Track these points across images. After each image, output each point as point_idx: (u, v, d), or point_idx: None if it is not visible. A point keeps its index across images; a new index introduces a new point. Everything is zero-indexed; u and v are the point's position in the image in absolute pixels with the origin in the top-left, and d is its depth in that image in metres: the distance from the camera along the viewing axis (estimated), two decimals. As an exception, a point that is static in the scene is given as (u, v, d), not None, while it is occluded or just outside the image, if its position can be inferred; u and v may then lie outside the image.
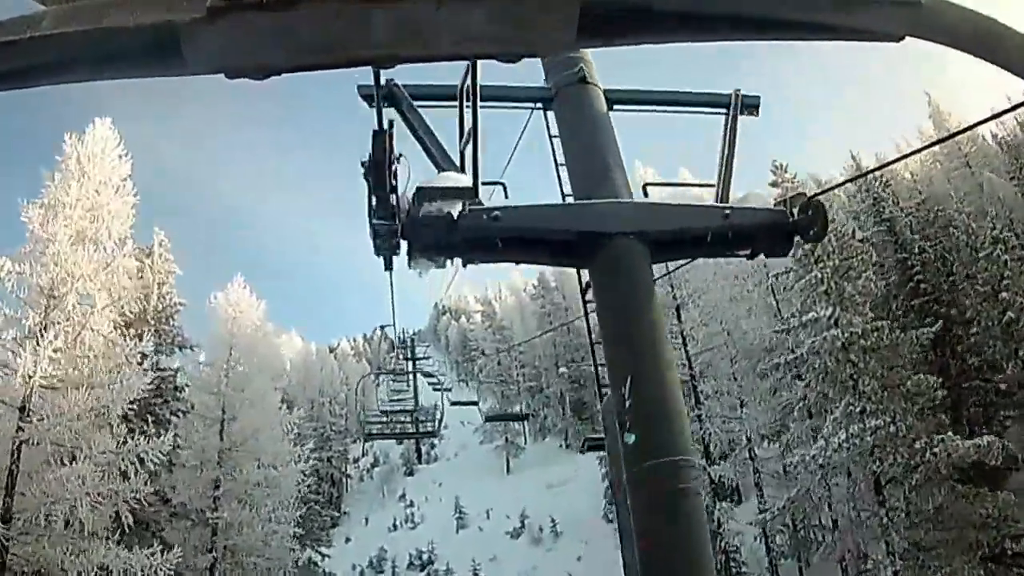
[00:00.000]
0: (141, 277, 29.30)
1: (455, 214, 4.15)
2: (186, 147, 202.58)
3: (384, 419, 26.15)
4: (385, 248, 4.30)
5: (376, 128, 3.77)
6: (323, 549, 42.16)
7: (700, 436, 26.54)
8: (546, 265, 6.58)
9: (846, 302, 21.67)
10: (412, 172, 4.18)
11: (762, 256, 5.00)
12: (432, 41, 1.16)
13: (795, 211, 4.68)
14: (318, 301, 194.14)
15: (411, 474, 67.62)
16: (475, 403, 32.69)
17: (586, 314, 6.28)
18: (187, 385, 27.34)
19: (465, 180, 4.21)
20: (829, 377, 21.50)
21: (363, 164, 3.79)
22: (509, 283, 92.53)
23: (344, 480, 66.44)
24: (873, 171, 32.63)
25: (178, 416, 26.62)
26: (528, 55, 1.22)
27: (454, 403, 28.73)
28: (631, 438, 3.88)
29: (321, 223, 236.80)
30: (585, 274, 5.10)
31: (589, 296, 5.39)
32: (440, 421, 22.71)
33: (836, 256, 22.06)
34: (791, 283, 23.42)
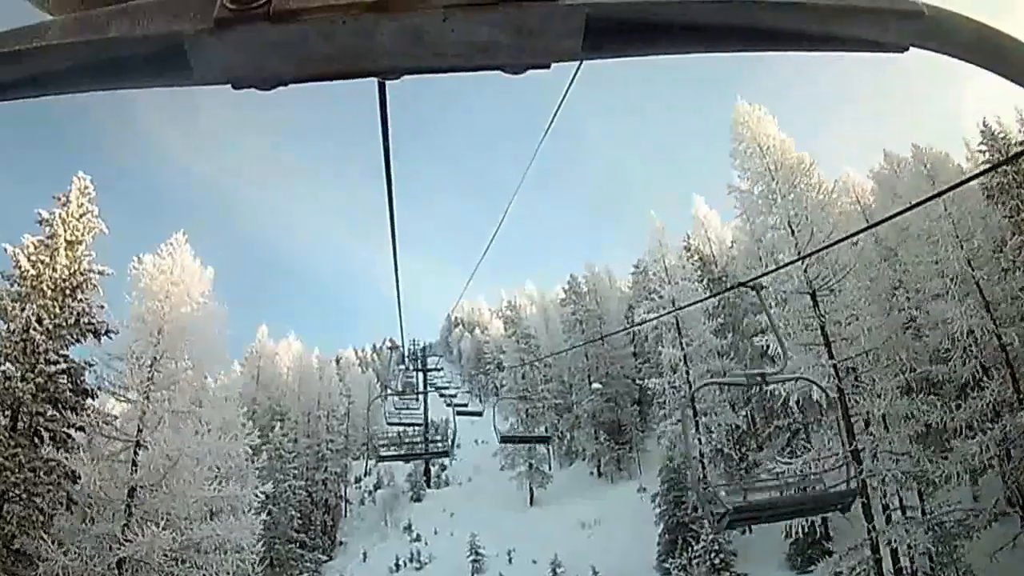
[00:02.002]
0: (52, 235, 21.14)
1: None
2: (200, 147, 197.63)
3: (395, 440, 24.19)
4: None
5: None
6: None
7: (859, 482, 17.69)
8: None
9: None
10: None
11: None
12: (439, 52, 1.11)
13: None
14: (328, 312, 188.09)
15: (418, 500, 59.37)
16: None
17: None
18: (99, 388, 18.81)
19: None
20: None
21: None
22: (525, 290, 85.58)
23: (342, 505, 58.09)
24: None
25: (88, 432, 18.36)
26: (535, 66, 1.17)
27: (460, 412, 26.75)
28: None
29: (334, 229, 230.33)
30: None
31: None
32: (453, 441, 21.50)
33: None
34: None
